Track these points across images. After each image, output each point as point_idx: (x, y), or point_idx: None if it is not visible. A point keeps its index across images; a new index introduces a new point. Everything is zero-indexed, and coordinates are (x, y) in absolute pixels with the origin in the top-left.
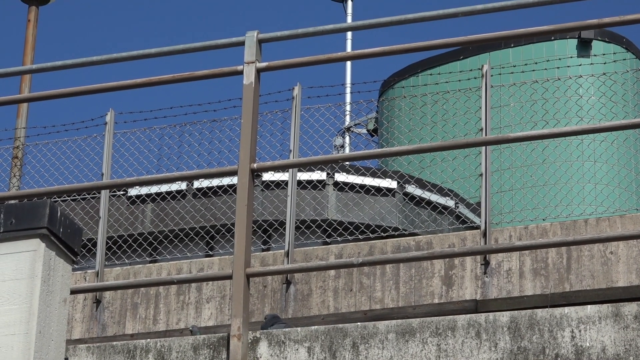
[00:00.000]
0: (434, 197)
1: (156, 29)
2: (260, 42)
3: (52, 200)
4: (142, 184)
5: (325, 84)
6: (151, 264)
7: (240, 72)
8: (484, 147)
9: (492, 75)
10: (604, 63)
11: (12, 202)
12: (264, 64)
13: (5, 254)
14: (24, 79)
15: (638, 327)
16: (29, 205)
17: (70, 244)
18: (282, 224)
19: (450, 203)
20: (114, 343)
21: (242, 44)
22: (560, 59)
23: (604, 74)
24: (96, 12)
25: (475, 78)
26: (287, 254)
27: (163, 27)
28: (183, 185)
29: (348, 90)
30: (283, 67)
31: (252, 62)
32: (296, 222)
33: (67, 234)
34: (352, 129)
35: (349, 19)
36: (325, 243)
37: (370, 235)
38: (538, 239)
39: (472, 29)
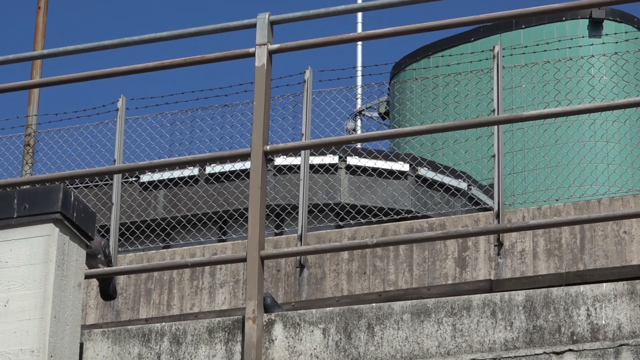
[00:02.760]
0: (447, 180)
1: (167, 14)
2: (272, 23)
3: (66, 186)
4: (154, 167)
5: (336, 68)
6: (164, 250)
7: (252, 55)
8: (496, 129)
9: (503, 57)
10: (616, 42)
11: (26, 187)
12: (276, 46)
13: (19, 239)
14: (35, 66)
15: None
16: (42, 190)
17: (84, 229)
18: (295, 208)
19: (463, 185)
20: (129, 327)
21: (254, 26)
22: (571, 39)
23: (616, 53)
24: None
25: (486, 59)
26: (300, 238)
27: (174, 12)
28: (195, 171)
29: (359, 73)
30: (295, 48)
31: (264, 44)
32: (309, 206)
33: (81, 218)
34: (364, 112)
35: (359, 1)
36: (339, 226)
37: (384, 218)
38: (552, 218)
39: (482, 11)
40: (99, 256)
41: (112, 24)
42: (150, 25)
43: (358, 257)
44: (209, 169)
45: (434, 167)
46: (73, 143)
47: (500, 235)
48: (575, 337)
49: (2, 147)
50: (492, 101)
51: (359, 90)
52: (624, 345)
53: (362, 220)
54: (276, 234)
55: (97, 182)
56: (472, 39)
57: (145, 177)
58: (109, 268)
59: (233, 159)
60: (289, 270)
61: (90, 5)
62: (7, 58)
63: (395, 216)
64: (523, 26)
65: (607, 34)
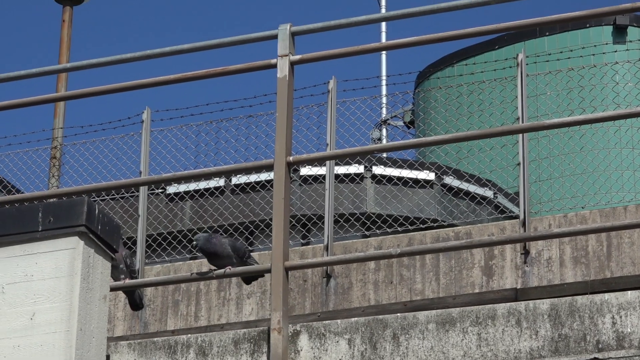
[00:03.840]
0: (472, 188)
1: (189, 26)
2: (294, 34)
3: (91, 199)
4: (179, 179)
5: (360, 77)
6: (191, 261)
7: (274, 66)
8: (521, 137)
9: (527, 64)
10: None
11: (51, 200)
12: (297, 57)
13: (44, 252)
14: (60, 79)
15: None
16: (67, 203)
17: (108, 241)
18: (321, 218)
19: (489, 193)
20: (155, 339)
21: (275, 37)
22: (595, 45)
23: None
24: (130, 11)
25: (510, 67)
26: (326, 248)
27: (196, 24)
28: (221, 182)
29: (384, 82)
30: (317, 59)
31: (286, 55)
32: (335, 216)
33: (106, 231)
34: (388, 121)
35: (383, 10)
36: (365, 236)
37: (409, 227)
38: (577, 226)
39: (506, 19)
40: (120, 266)
41: (135, 36)
42: (173, 37)
43: (384, 266)
44: (234, 180)
45: (459, 175)
46: (99, 155)
47: (527, 243)
48: (600, 346)
49: (28, 160)
50: (516, 109)
51: (384, 100)
52: None
53: (388, 230)
54: (302, 244)
55: (123, 194)
56: (496, 47)
57: (172, 189)
58: (134, 280)
59: (257, 169)
60: (316, 280)
61: (115, 18)
62: (33, 72)
63: (422, 225)
64: (547, 34)
65: (631, 41)
